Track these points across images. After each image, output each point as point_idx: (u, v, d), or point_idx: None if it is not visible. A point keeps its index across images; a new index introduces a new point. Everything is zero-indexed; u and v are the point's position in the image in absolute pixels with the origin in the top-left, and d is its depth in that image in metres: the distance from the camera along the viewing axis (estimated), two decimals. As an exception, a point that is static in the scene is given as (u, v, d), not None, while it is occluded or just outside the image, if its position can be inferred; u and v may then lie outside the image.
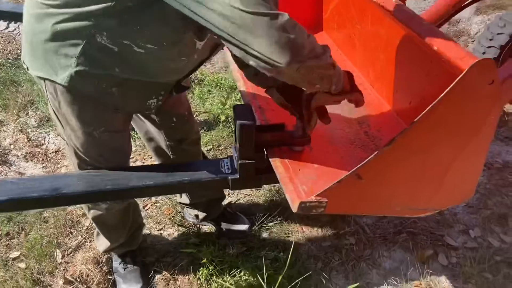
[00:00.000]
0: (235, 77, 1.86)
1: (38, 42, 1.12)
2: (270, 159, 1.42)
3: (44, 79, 1.18)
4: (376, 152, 1.15)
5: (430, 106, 1.06)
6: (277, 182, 1.41)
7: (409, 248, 1.87)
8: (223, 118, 2.62)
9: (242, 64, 1.46)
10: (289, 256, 1.71)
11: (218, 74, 3.17)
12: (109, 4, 1.01)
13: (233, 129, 1.32)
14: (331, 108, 1.83)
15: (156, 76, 1.22)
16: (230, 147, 2.46)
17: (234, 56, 1.43)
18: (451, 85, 1.02)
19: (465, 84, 1.03)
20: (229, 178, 1.40)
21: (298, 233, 2.00)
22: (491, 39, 2.61)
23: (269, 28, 0.90)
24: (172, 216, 2.11)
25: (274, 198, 2.19)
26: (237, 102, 2.91)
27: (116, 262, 1.85)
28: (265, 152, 1.43)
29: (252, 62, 0.97)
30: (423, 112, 1.08)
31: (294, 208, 1.20)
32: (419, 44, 1.39)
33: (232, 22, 0.90)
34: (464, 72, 1.00)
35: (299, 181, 1.32)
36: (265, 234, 1.99)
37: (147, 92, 1.27)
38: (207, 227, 2.05)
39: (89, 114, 1.25)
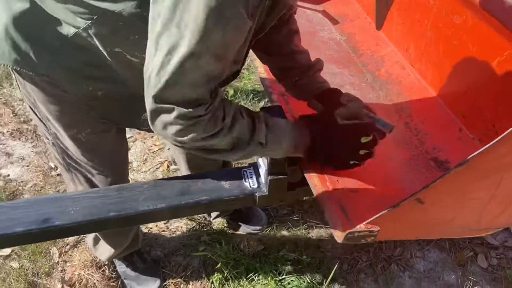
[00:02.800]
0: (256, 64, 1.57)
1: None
2: (304, 172, 1.18)
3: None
4: (443, 174, 0.91)
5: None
6: (311, 195, 1.18)
7: (446, 248, 1.69)
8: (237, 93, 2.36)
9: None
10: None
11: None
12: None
13: None
14: (362, 92, 1.59)
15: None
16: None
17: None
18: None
19: None
20: (256, 195, 1.14)
21: (320, 228, 1.81)
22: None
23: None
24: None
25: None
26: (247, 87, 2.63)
27: (122, 266, 1.66)
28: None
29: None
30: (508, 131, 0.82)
31: (339, 238, 0.98)
32: (487, 20, 1.12)
33: None
34: None
35: (340, 198, 1.10)
36: (284, 231, 1.79)
37: (139, 104, 1.02)
38: (219, 220, 1.85)
39: (70, 117, 1.04)
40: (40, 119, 1.10)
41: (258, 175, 1.17)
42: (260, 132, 0.93)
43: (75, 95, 1.00)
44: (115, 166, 1.25)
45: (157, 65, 0.73)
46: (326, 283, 1.58)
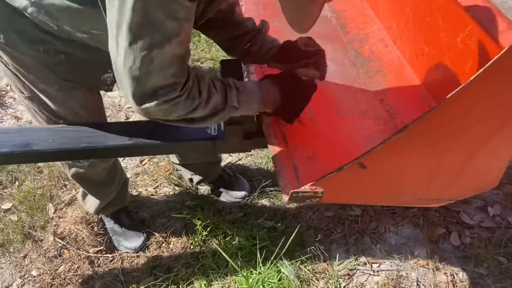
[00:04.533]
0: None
1: None
2: (263, 127, 1.26)
3: None
4: (384, 140, 0.95)
5: (462, 86, 0.81)
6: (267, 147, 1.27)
7: (419, 224, 1.72)
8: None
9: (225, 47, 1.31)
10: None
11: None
12: None
13: None
14: (343, 68, 1.62)
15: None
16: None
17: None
18: (494, 59, 0.77)
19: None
20: (216, 141, 1.27)
21: (300, 200, 1.87)
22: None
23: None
24: (169, 175, 1.99)
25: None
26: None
27: (111, 222, 1.77)
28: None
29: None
30: (451, 94, 0.84)
31: (285, 197, 1.04)
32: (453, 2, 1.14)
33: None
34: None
35: (294, 162, 1.16)
36: (264, 201, 1.87)
37: (100, 64, 1.11)
38: (205, 188, 1.93)
39: (35, 76, 1.13)
40: (13, 73, 1.16)
41: (219, 125, 1.28)
42: (233, 97, 1.04)
43: (34, 59, 1.08)
44: (89, 119, 1.30)
45: (124, 64, 0.83)
46: (298, 251, 1.65)
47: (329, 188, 1.03)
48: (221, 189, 1.86)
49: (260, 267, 1.54)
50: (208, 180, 1.86)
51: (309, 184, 1.03)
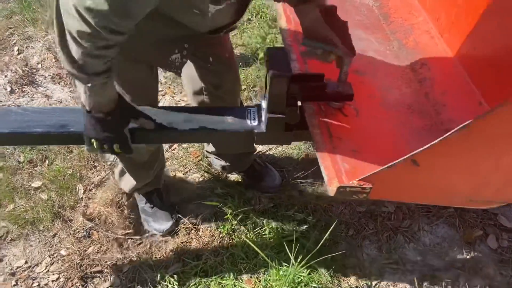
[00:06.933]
0: (278, 11, 1.59)
1: None
2: (307, 118, 1.22)
3: None
4: (441, 137, 0.90)
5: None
6: (310, 140, 1.23)
7: (455, 225, 1.67)
8: (261, 55, 2.36)
9: None
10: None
11: (260, 0, 2.83)
12: None
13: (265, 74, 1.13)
14: (386, 60, 1.56)
15: (171, 25, 1.07)
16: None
17: None
18: None
19: None
20: (255, 131, 1.23)
21: (332, 193, 1.83)
22: None
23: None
24: (199, 161, 1.97)
25: (309, 151, 1.99)
26: (279, 38, 2.61)
27: (142, 202, 1.78)
28: (298, 106, 1.23)
29: None
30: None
31: (331, 191, 1.01)
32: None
33: None
34: None
35: (339, 155, 1.12)
36: (295, 192, 1.83)
37: (168, 44, 1.13)
38: (235, 176, 1.91)
39: None
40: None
41: (260, 115, 1.24)
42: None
43: None
44: (143, 98, 1.30)
45: None
46: (329, 245, 1.61)
47: (378, 184, 0.99)
48: (252, 179, 1.84)
49: (291, 260, 1.51)
50: (240, 170, 1.83)
51: (357, 179, 0.99)
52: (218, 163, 1.85)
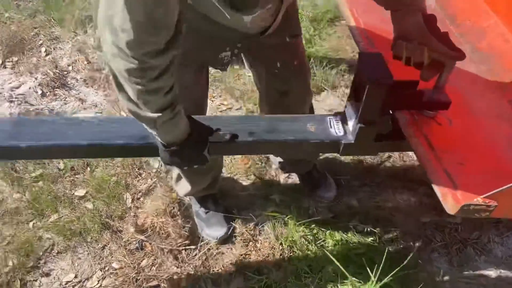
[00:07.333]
0: (345, 15, 1.52)
1: None
2: (402, 128, 1.15)
3: None
4: None
5: None
6: (397, 150, 1.15)
7: (528, 236, 1.61)
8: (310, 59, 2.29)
9: None
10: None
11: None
12: None
13: (352, 81, 1.09)
14: (460, 64, 1.49)
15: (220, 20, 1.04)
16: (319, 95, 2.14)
17: None
18: None
19: None
20: (342, 142, 1.14)
21: (392, 203, 1.76)
22: None
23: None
24: (248, 167, 1.89)
25: (366, 158, 1.92)
26: (331, 37, 2.55)
27: (197, 206, 1.71)
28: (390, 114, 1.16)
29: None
30: None
31: (452, 209, 0.94)
32: None
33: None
34: None
35: (447, 169, 1.04)
36: (353, 201, 1.76)
37: (221, 41, 1.13)
38: (290, 182, 1.83)
39: None
40: None
41: (344, 123, 1.16)
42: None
43: None
44: (190, 103, 1.24)
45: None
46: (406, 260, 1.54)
47: (503, 201, 0.92)
48: (307, 185, 1.77)
49: (368, 275, 1.43)
50: (298, 172, 1.78)
51: (482, 197, 0.92)
52: (276, 160, 1.79)
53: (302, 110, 1.49)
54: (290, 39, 1.25)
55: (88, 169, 1.92)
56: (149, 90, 0.82)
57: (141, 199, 1.81)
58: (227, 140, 1.11)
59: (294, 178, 1.86)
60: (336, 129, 1.18)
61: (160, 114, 0.86)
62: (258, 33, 1.14)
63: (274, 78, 1.37)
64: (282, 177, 1.87)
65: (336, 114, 1.23)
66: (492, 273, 1.54)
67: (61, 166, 1.93)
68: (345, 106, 1.18)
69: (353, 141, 1.15)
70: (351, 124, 1.15)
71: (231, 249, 1.64)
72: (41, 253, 1.64)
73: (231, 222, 1.69)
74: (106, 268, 1.61)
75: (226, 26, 1.06)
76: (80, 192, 1.83)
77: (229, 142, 1.11)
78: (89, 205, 1.78)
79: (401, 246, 1.61)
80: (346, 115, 1.17)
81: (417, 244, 1.61)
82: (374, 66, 1.13)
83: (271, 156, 1.80)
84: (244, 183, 1.86)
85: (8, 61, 2.47)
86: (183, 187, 1.61)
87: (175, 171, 1.60)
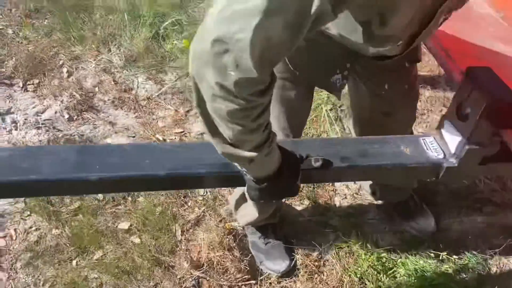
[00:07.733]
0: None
1: None
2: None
3: None
4: None
5: None
6: (504, 174, 1.05)
7: None
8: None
9: None
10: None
11: None
12: None
13: (453, 97, 0.99)
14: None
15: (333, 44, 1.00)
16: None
17: None
18: None
19: None
20: (444, 165, 1.03)
21: (459, 226, 1.66)
22: None
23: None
24: (300, 190, 1.78)
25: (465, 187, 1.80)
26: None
27: (255, 236, 1.61)
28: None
29: None
30: None
31: None
32: None
33: None
34: None
35: None
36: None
37: (330, 63, 1.10)
38: (345, 205, 1.73)
39: None
40: None
41: (442, 145, 1.05)
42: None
43: None
44: (294, 123, 1.23)
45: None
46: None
47: None
48: (400, 215, 1.67)
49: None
50: (392, 200, 1.67)
51: None
52: (367, 186, 1.68)
53: (405, 132, 1.39)
54: (409, 64, 1.17)
55: (130, 199, 1.81)
56: (251, 129, 0.72)
57: (191, 230, 1.69)
58: (318, 167, 1.00)
59: (349, 199, 1.77)
60: (433, 151, 1.07)
61: (258, 152, 0.76)
62: (371, 57, 1.05)
63: (380, 100, 1.27)
64: (337, 200, 1.77)
65: (427, 135, 1.13)
66: None
67: (100, 197, 1.81)
68: (440, 126, 1.07)
69: (456, 165, 1.03)
70: (453, 145, 1.03)
71: (295, 282, 1.53)
72: (89, 296, 1.52)
73: (293, 253, 1.58)
74: (162, 309, 1.49)
75: (339, 45, 1.00)
76: (124, 225, 1.71)
77: (321, 169, 1.01)
78: (136, 239, 1.66)
79: (475, 273, 1.51)
80: (444, 135, 1.07)
81: (492, 270, 1.51)
82: (489, 81, 1.02)
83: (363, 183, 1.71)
84: (299, 208, 1.75)
85: (30, 84, 2.34)
86: (247, 215, 1.50)
87: (236, 195, 1.50)
